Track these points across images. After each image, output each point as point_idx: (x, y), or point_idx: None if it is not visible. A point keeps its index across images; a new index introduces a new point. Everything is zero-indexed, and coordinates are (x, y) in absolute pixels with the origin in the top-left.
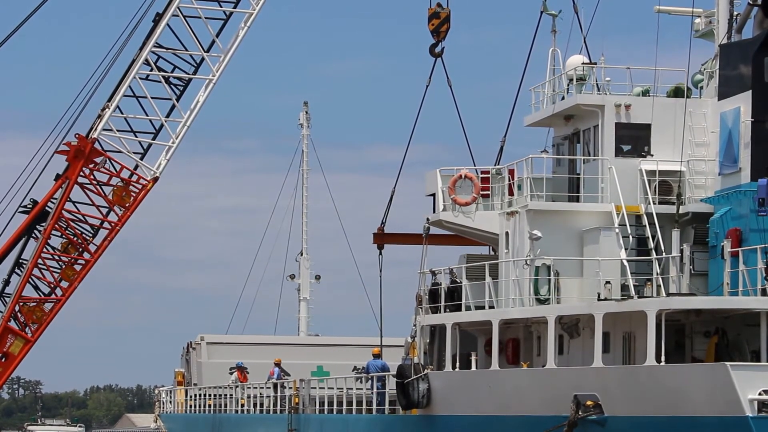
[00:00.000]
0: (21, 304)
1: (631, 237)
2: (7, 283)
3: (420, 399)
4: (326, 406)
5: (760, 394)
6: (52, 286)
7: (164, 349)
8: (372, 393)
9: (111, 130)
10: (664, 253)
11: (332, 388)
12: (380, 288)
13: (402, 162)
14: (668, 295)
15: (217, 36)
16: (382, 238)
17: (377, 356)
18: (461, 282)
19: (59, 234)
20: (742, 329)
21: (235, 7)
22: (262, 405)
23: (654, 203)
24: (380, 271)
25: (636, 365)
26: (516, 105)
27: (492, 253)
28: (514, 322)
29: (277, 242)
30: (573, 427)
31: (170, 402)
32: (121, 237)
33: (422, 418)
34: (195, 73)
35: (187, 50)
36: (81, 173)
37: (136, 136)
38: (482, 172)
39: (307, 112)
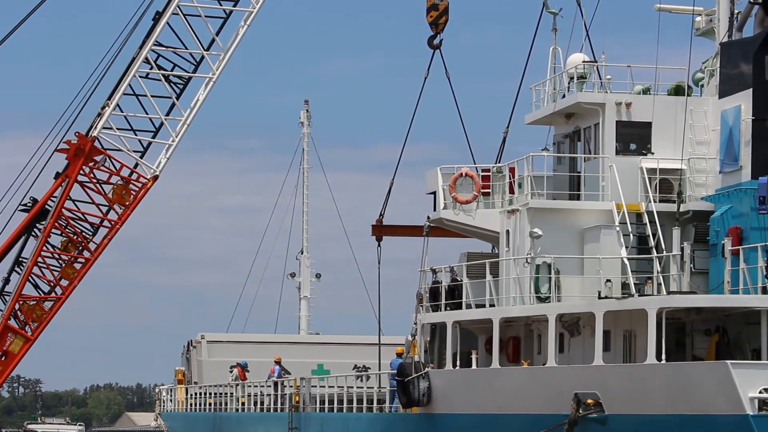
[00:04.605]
0: (21, 302)
1: (631, 235)
2: (7, 281)
3: (420, 397)
4: (327, 405)
5: (760, 392)
6: (52, 284)
7: (164, 348)
8: (386, 390)
9: (111, 128)
10: (664, 252)
11: (333, 387)
12: (378, 279)
13: (401, 151)
14: (669, 293)
15: (217, 34)
16: (380, 230)
17: (400, 355)
18: (462, 280)
19: (59, 232)
20: (742, 327)
21: (235, 6)
22: (262, 403)
23: (655, 201)
24: (378, 262)
25: (637, 363)
26: (517, 103)
27: (493, 250)
28: (515, 321)
29: (278, 241)
30: (573, 426)
31: (171, 400)
32: (121, 235)
33: (423, 417)
34: (195, 71)
35: (187, 48)
36: (81, 171)
37: (136, 135)
38: (483, 170)
39: (307, 111)
